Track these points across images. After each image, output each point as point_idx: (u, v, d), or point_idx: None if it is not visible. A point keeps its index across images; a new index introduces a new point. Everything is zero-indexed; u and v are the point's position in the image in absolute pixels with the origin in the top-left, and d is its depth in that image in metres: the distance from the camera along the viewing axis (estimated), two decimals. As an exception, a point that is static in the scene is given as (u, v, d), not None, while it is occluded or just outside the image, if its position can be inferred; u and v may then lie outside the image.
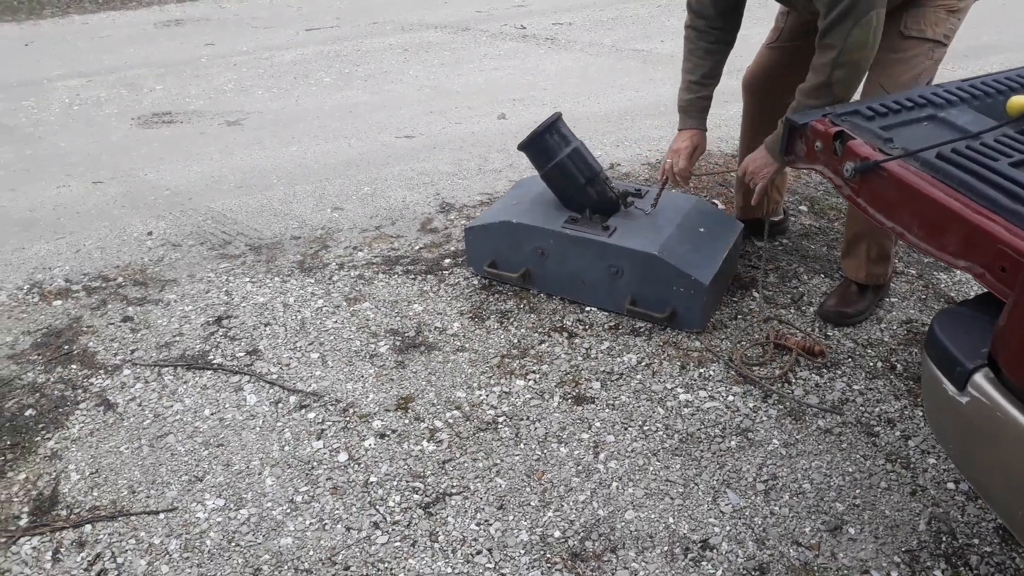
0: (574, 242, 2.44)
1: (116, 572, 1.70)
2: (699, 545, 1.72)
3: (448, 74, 5.26)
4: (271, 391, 2.22)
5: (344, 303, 2.61)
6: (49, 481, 1.94)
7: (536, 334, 2.42)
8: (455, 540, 1.75)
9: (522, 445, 2.01)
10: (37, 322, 2.56)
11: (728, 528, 1.76)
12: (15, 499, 1.88)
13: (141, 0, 7.94)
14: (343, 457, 1.98)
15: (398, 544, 1.74)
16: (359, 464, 1.96)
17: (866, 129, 1.68)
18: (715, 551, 1.71)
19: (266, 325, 2.51)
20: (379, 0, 7.69)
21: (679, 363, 2.28)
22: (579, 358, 2.32)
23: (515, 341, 2.40)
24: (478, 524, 1.79)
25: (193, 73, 5.43)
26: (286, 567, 1.70)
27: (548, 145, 2.50)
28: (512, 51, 5.79)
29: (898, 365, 2.26)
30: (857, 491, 1.85)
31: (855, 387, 2.18)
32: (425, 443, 2.02)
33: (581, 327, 2.45)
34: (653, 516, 1.80)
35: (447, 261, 2.84)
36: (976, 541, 1.71)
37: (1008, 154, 1.49)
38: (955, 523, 1.76)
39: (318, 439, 2.04)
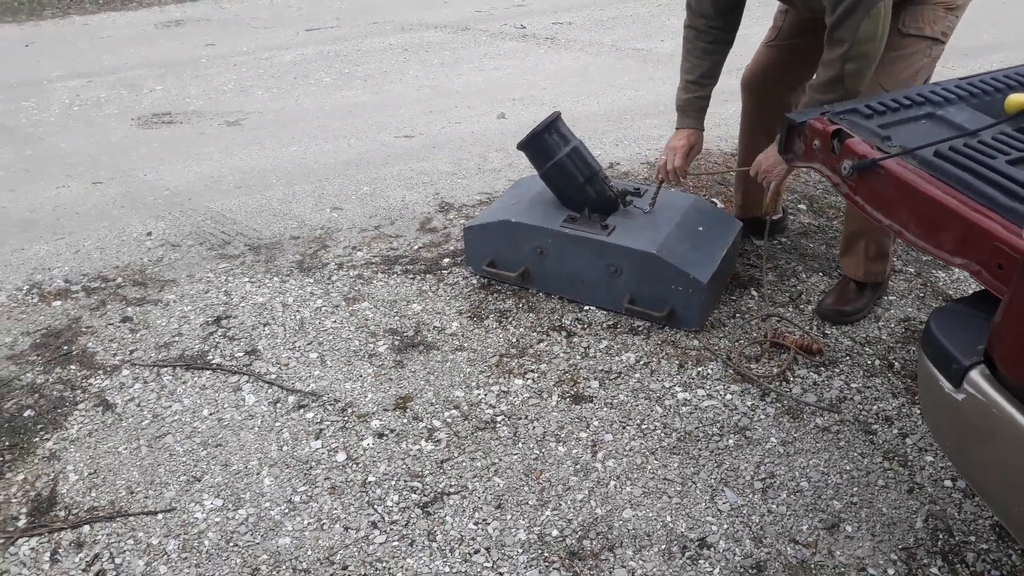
0: (573, 241, 2.44)
1: (114, 573, 1.70)
2: (697, 543, 1.72)
3: (448, 74, 5.26)
4: (270, 391, 2.22)
5: (343, 303, 2.61)
6: (47, 482, 1.94)
7: (535, 333, 2.42)
8: (453, 539, 1.75)
9: (520, 444, 2.01)
10: (36, 323, 2.57)
11: (726, 526, 1.76)
12: (13, 500, 1.89)
13: (141, 1, 7.94)
14: (341, 457, 1.99)
15: (396, 544, 1.75)
16: (357, 464, 1.96)
17: (864, 127, 1.68)
18: (713, 549, 1.71)
19: (265, 325, 2.51)
20: (379, 0, 7.69)
21: (677, 362, 2.28)
22: (577, 357, 2.32)
23: (514, 340, 2.40)
24: (476, 523, 1.79)
25: (193, 73, 5.43)
26: (284, 567, 1.70)
27: (547, 144, 2.50)
28: (512, 51, 5.79)
29: (896, 363, 2.26)
30: (855, 489, 1.85)
31: (853, 385, 2.18)
32: (423, 442, 2.02)
33: (580, 326, 2.45)
34: (651, 515, 1.80)
35: (446, 260, 2.84)
36: (973, 538, 1.71)
37: (1005, 152, 1.49)
38: (952, 520, 1.76)
39: (316, 439, 2.05)
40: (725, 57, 2.39)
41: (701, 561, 1.68)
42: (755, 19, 2.60)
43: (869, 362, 2.27)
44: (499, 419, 2.09)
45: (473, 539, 1.75)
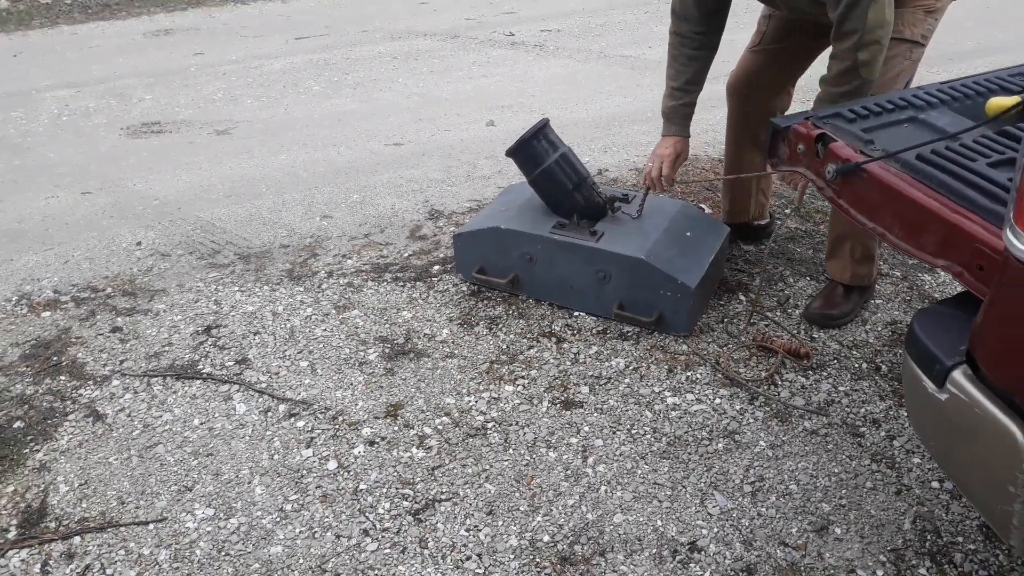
0: (562, 247, 2.45)
1: (105, 583, 1.70)
2: (687, 547, 1.73)
3: (437, 81, 5.28)
4: (261, 400, 2.22)
5: (333, 311, 2.62)
6: (38, 493, 1.93)
7: (525, 339, 2.43)
8: (445, 546, 1.76)
9: (511, 450, 2.02)
10: (25, 334, 2.56)
11: (716, 530, 1.77)
12: (3, 512, 1.88)
13: (130, 10, 7.94)
14: (332, 465, 1.99)
15: (388, 551, 1.75)
16: (349, 472, 1.97)
17: (847, 131, 1.70)
18: (703, 553, 1.72)
19: (255, 334, 2.51)
20: (368, 9, 7.71)
21: (667, 367, 2.29)
22: (568, 363, 2.33)
23: (504, 347, 2.40)
24: (468, 530, 1.79)
25: (182, 83, 5.43)
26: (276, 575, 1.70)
27: (536, 151, 2.51)
28: (501, 58, 5.81)
29: (883, 366, 2.28)
30: (843, 491, 1.86)
31: (840, 388, 2.20)
32: (414, 450, 2.03)
33: (569, 332, 2.46)
34: (641, 519, 1.80)
35: (436, 268, 2.85)
36: (960, 539, 1.73)
37: (986, 154, 1.52)
38: (940, 521, 1.77)
39: (308, 447, 2.05)
40: (710, 63, 2.41)
41: (692, 565, 1.69)
42: (742, 25, 2.62)
43: (856, 365, 2.29)
44: (490, 426, 2.10)
45: (465, 545, 1.75)
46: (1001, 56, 5.08)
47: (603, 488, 1.89)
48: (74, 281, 2.87)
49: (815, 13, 2.21)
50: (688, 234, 2.52)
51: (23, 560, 1.75)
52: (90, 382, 2.32)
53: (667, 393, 2.19)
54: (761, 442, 2.01)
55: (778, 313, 2.53)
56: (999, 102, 1.67)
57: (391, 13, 7.46)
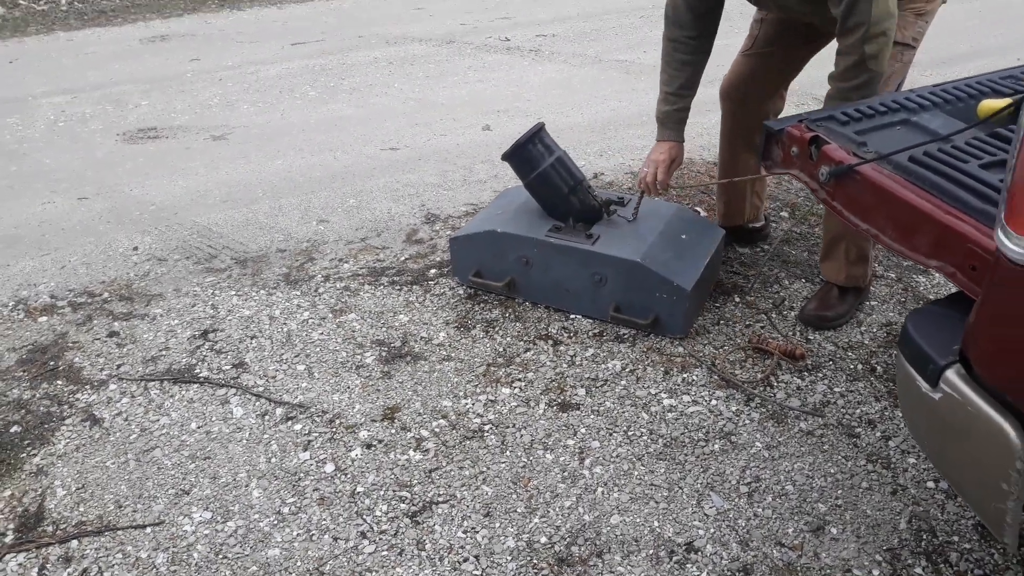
0: (558, 250, 2.46)
1: (103, 586, 1.70)
2: (684, 548, 1.74)
3: (433, 86, 5.29)
4: (257, 404, 2.23)
5: (330, 315, 2.62)
6: (35, 497, 1.93)
7: (521, 342, 2.44)
8: (442, 548, 1.76)
9: (508, 452, 2.02)
10: (22, 338, 2.56)
11: (712, 530, 1.78)
12: (0, 516, 1.88)
13: (126, 17, 7.95)
14: (330, 468, 1.99)
15: (385, 553, 1.75)
16: (346, 475, 1.97)
17: (840, 134, 1.71)
18: (700, 553, 1.72)
19: (252, 338, 2.52)
20: (364, 14, 7.73)
21: (663, 368, 2.30)
22: (564, 365, 2.33)
23: (501, 350, 2.41)
24: (465, 532, 1.80)
25: (178, 88, 5.44)
26: (273, 578, 1.70)
27: (531, 155, 2.52)
28: (496, 63, 5.82)
29: (878, 367, 2.29)
30: (839, 491, 1.87)
31: (836, 389, 2.21)
32: (412, 452, 2.03)
33: (566, 335, 2.47)
34: (638, 520, 1.81)
35: (433, 271, 2.86)
36: (956, 538, 1.74)
37: (978, 156, 1.53)
38: (935, 521, 1.78)
39: (305, 450, 2.05)
40: (703, 68, 2.42)
41: (688, 565, 1.70)
42: (736, 30, 2.64)
43: (852, 366, 2.30)
44: (487, 428, 2.10)
45: (462, 547, 1.76)
46: (994, 59, 5.11)
47: (600, 489, 1.90)
48: (71, 286, 2.87)
49: (805, 12, 2.23)
50: (683, 237, 2.53)
51: (20, 564, 1.75)
52: (87, 386, 2.32)
53: (663, 395, 2.20)
54: (757, 443, 2.02)
55: (774, 315, 2.54)
56: (990, 104, 1.68)
57: (387, 18, 7.48)
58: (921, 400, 1.29)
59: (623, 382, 2.25)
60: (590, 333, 2.47)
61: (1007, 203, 1.11)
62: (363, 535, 1.79)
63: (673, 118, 2.46)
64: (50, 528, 1.84)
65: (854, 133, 1.69)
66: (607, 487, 1.90)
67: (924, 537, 1.74)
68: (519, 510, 1.85)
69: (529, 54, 6.03)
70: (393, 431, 2.10)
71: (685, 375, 2.27)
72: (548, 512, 1.84)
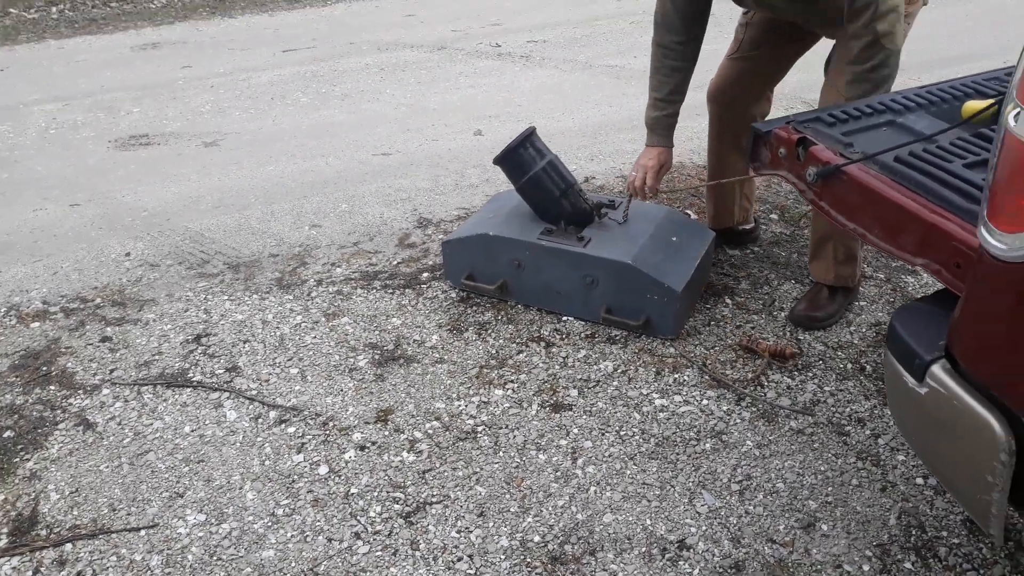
0: (549, 253, 2.48)
1: (97, 589, 1.70)
2: (676, 545, 1.75)
3: (424, 92, 5.31)
4: (251, 407, 2.23)
5: (323, 319, 2.63)
6: (28, 501, 1.94)
7: (514, 344, 2.45)
8: (436, 548, 1.77)
9: (501, 453, 2.03)
10: (15, 344, 2.56)
11: (704, 528, 1.79)
12: (-6, 520, 1.88)
13: (117, 25, 7.95)
14: (323, 470, 2.00)
15: (380, 553, 1.76)
16: (340, 476, 1.98)
17: (827, 135, 1.74)
18: (692, 551, 1.74)
19: (245, 342, 2.52)
20: (355, 21, 7.75)
21: (654, 369, 2.32)
22: (556, 367, 2.35)
23: (493, 352, 2.42)
24: (459, 531, 1.81)
25: (170, 95, 5.44)
26: (268, 579, 1.71)
27: (523, 159, 2.54)
28: (488, 69, 5.85)
29: (868, 366, 2.31)
30: (829, 489, 1.89)
31: (826, 388, 2.23)
32: (405, 454, 2.04)
33: (558, 336, 2.49)
34: (631, 518, 1.82)
35: (425, 275, 2.87)
36: (944, 533, 1.76)
37: (962, 156, 1.55)
38: (924, 517, 1.80)
39: (298, 453, 2.06)
40: (691, 74, 2.44)
41: (681, 562, 1.71)
42: (726, 35, 2.67)
43: (841, 366, 2.32)
44: (480, 429, 2.12)
45: (456, 547, 1.77)
46: (988, 62, 5.15)
47: (592, 489, 1.91)
48: (63, 292, 2.87)
49: (790, 11, 2.26)
50: (674, 239, 2.55)
51: (14, 568, 1.75)
52: (80, 391, 2.32)
53: (655, 395, 2.22)
54: (748, 442, 2.04)
55: (764, 316, 2.56)
56: (974, 105, 1.71)
57: (378, 25, 7.50)
58: (908, 395, 1.31)
59: (615, 383, 2.27)
60: (582, 335, 2.49)
61: (989, 201, 1.14)
62: (357, 536, 1.80)
63: (662, 123, 2.48)
64: (44, 532, 1.84)
65: (841, 134, 1.72)
66: (600, 486, 1.92)
67: (913, 533, 1.76)
68: (512, 510, 1.86)
69: (520, 60, 6.06)
70: (386, 433, 2.11)
71: (676, 375, 2.29)
72: (541, 511, 1.85)
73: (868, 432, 2.06)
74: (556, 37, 6.75)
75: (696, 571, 1.69)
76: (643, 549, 1.74)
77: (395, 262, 2.99)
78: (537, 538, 1.78)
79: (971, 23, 6.44)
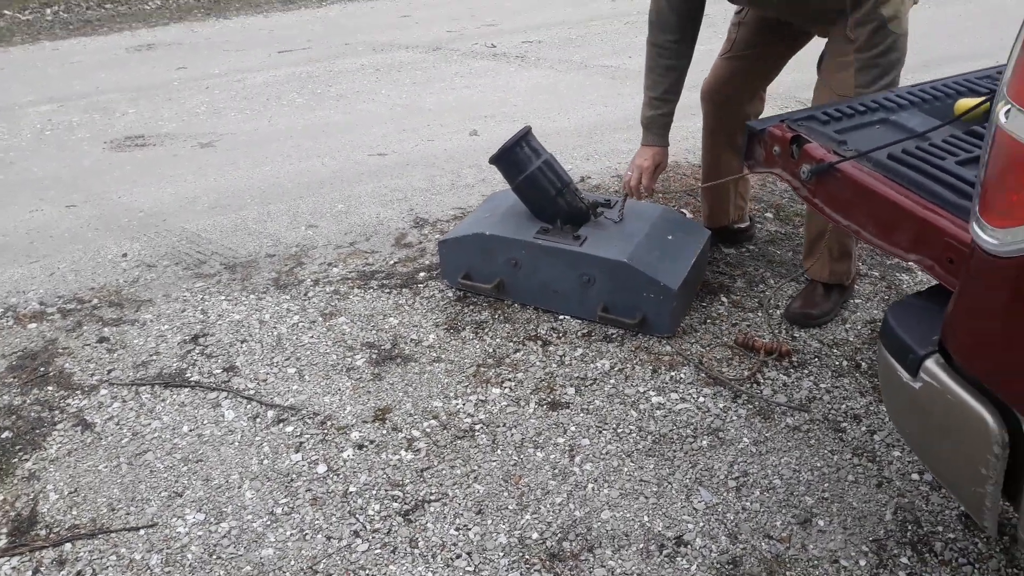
0: (546, 252, 2.49)
1: (97, 588, 1.70)
2: (674, 541, 1.76)
3: (420, 93, 5.32)
4: (249, 406, 2.24)
5: (320, 318, 2.64)
6: (27, 502, 1.94)
7: (511, 343, 2.46)
8: (435, 545, 1.78)
9: (499, 451, 2.04)
10: (12, 345, 2.56)
11: (701, 524, 1.80)
12: (-7, 520, 1.89)
13: (112, 26, 7.94)
14: (322, 469, 2.00)
15: (378, 551, 1.77)
16: (338, 475, 1.98)
17: (821, 133, 1.75)
18: (689, 547, 1.75)
19: (242, 342, 2.53)
20: (351, 22, 7.75)
21: (651, 367, 2.33)
22: (553, 365, 2.36)
23: (490, 350, 2.43)
24: (457, 529, 1.82)
25: (166, 96, 5.44)
26: (267, 577, 1.72)
27: (519, 158, 2.55)
28: (483, 69, 5.86)
29: (863, 363, 2.33)
30: (825, 485, 1.90)
31: (822, 385, 2.24)
32: (403, 452, 2.05)
33: (555, 335, 2.49)
34: (628, 515, 1.83)
35: (422, 275, 2.88)
36: (940, 528, 1.77)
37: (955, 153, 1.57)
38: (920, 512, 1.81)
39: (297, 452, 2.06)
40: (686, 73, 2.45)
41: (679, 559, 1.72)
42: (721, 35, 2.68)
43: (837, 363, 2.33)
44: (478, 427, 2.12)
45: (455, 544, 1.78)
46: (985, 62, 5.16)
47: (590, 486, 1.92)
48: (60, 293, 2.87)
49: (783, 9, 2.27)
50: (670, 238, 2.56)
51: (14, 568, 1.75)
52: (78, 392, 2.32)
53: (652, 393, 2.23)
54: (745, 439, 2.05)
55: (760, 314, 2.57)
56: (966, 103, 1.72)
57: (373, 26, 7.50)
58: (902, 390, 1.32)
59: (612, 381, 2.28)
60: (579, 333, 2.50)
61: (981, 197, 1.15)
62: (356, 534, 1.81)
63: (658, 123, 2.49)
64: (43, 532, 1.85)
65: (834, 132, 1.73)
66: (597, 483, 1.93)
67: (909, 528, 1.78)
68: (511, 507, 1.87)
69: (515, 60, 6.07)
70: (384, 432, 2.12)
71: (673, 373, 2.30)
72: (539, 508, 1.86)
73: (864, 428, 2.08)
74: (551, 37, 6.77)
75: (693, 567, 1.70)
76: (641, 545, 1.75)
77: (392, 262, 2.99)
78: (535, 535, 1.79)
79: (970, 23, 6.46)
